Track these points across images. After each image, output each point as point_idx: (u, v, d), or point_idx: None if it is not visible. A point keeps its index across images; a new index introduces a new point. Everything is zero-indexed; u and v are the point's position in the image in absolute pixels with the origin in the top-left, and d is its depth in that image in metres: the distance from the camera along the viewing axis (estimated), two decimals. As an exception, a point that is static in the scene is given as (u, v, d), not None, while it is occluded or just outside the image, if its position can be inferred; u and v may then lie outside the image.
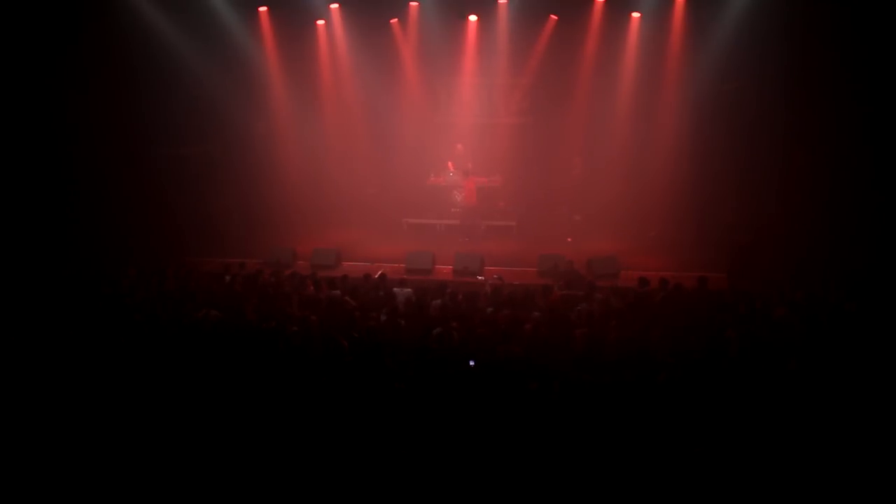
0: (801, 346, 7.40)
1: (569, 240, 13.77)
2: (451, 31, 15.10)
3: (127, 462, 5.37)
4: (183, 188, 14.01)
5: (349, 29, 15.19)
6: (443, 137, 15.76)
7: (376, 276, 10.55)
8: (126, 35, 12.95)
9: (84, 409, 5.98)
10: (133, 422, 5.81)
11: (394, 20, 15.29)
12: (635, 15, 14.44)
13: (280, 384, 6.35)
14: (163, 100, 13.48)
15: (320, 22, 15.33)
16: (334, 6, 15.01)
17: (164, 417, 5.86)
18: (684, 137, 14.20)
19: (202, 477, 5.24)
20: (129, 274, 10.60)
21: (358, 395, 6.12)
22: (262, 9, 14.94)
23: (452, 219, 14.92)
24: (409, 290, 9.96)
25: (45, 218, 12.30)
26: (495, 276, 10.98)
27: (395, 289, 10.02)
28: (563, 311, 8.90)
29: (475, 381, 6.40)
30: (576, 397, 6.08)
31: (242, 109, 15.01)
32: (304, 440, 5.56)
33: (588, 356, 7.11)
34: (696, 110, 14.01)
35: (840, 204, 12.05)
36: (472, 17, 15.06)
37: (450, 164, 15.27)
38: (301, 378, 6.51)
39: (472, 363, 6.63)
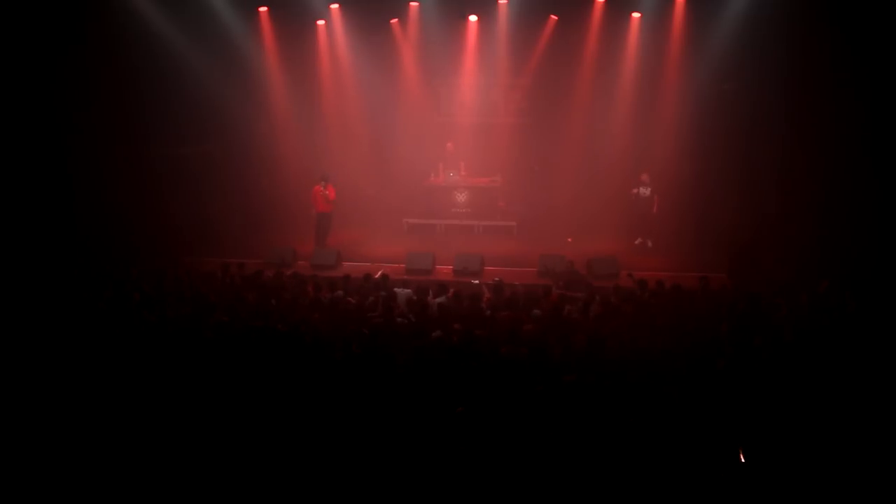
0: (799, 346, 7.41)
1: (569, 240, 13.77)
2: (451, 31, 15.10)
3: (136, 462, 5.37)
4: (183, 188, 14.01)
5: (349, 29, 15.20)
6: (443, 138, 15.75)
7: (377, 277, 10.55)
8: (126, 35, 12.94)
9: (90, 410, 5.98)
10: (138, 422, 5.82)
11: (394, 20, 15.30)
12: (635, 15, 14.45)
13: (285, 385, 6.34)
14: (163, 100, 13.47)
15: (320, 22, 15.34)
16: (334, 6, 15.02)
17: (168, 418, 5.87)
18: (684, 137, 14.21)
19: (211, 476, 5.25)
20: (130, 274, 10.59)
21: (363, 395, 6.12)
22: (263, 9, 14.95)
23: (453, 219, 14.92)
24: (409, 290, 9.95)
25: (45, 218, 12.30)
26: (496, 278, 10.97)
27: (396, 289, 10.02)
28: (563, 311, 8.90)
29: (478, 382, 6.39)
30: (577, 398, 6.09)
31: (242, 109, 15.02)
32: (310, 440, 5.57)
33: (588, 356, 7.11)
34: (696, 110, 14.02)
35: (840, 204, 12.08)
36: (472, 17, 15.07)
37: (440, 164, 15.20)
38: (307, 378, 6.50)
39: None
